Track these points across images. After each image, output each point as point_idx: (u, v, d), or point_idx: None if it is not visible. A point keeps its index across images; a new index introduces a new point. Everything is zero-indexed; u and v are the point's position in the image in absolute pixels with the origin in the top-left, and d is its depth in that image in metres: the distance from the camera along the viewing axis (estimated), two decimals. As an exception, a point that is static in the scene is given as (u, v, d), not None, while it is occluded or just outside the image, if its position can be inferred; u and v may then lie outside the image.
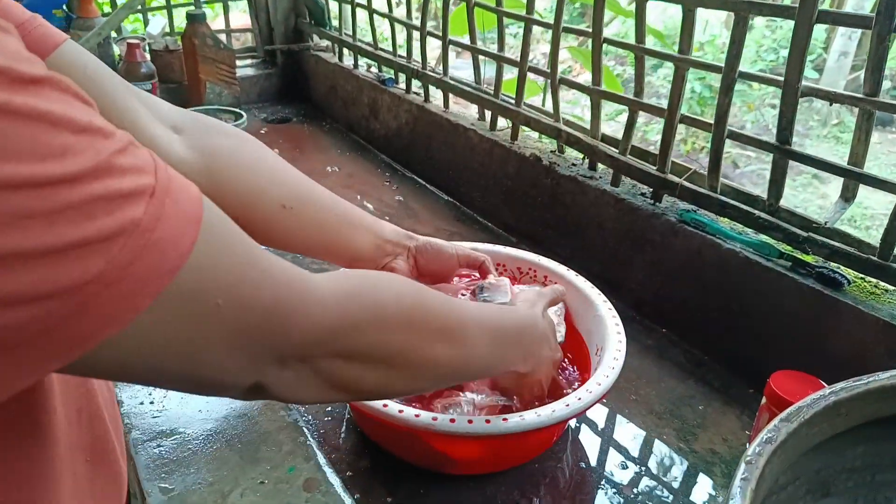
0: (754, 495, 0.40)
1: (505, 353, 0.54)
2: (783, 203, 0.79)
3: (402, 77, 1.40)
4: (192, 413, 0.65)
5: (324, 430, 0.70)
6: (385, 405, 0.57)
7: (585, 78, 0.98)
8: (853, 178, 0.72)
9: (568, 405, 0.58)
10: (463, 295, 0.68)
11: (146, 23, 1.65)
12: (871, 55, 0.66)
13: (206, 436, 0.62)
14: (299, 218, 0.60)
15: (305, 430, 0.64)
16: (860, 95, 0.68)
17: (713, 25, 3.99)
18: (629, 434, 0.73)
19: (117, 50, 1.56)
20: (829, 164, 0.73)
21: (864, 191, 0.74)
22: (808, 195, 3.56)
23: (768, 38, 4.05)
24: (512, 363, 0.56)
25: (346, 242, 0.64)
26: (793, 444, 0.45)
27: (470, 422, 0.56)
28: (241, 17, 2.08)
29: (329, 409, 0.73)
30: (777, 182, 0.78)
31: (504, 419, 0.56)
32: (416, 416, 0.56)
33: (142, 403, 0.66)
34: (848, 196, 0.76)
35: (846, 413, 0.48)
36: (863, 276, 0.73)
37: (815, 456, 0.49)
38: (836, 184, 3.55)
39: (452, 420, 0.56)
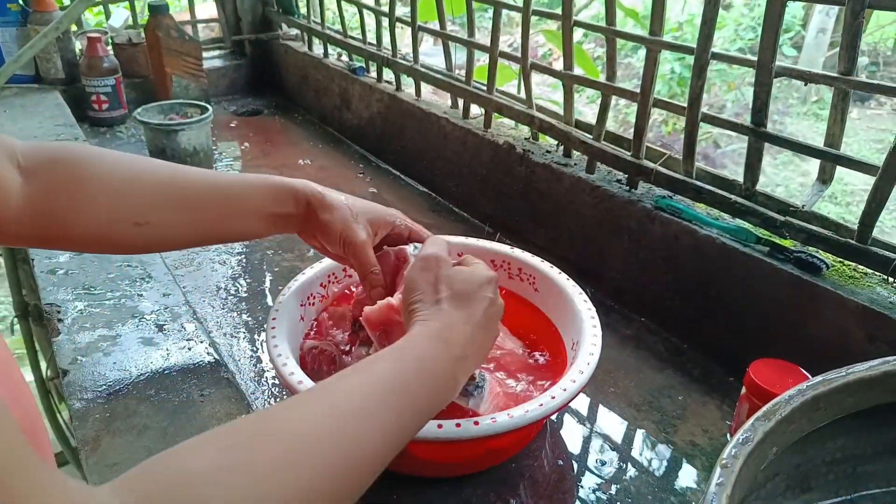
0: (730, 501, 0.38)
1: (437, 388, 0.47)
2: (761, 186, 0.77)
3: (372, 66, 1.36)
4: (150, 423, 0.62)
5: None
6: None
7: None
8: (829, 159, 0.70)
9: (542, 405, 0.56)
10: None
11: (108, 15, 1.60)
12: (845, 32, 0.64)
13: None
14: (162, 228, 0.57)
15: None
16: (834, 74, 0.66)
17: (692, 4, 3.97)
18: (608, 428, 0.71)
19: (78, 45, 1.51)
20: (805, 146, 0.71)
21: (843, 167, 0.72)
22: (789, 173, 3.57)
23: (747, 17, 4.04)
24: (459, 380, 0.50)
25: (229, 231, 0.62)
26: (770, 443, 0.43)
27: (439, 426, 0.54)
28: (207, 7, 2.02)
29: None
30: (753, 166, 0.76)
31: (475, 423, 0.54)
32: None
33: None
34: (825, 178, 0.74)
35: (825, 407, 0.46)
36: (841, 260, 0.71)
37: (794, 451, 0.47)
38: (817, 162, 3.57)
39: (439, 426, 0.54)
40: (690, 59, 0.76)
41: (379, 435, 0.41)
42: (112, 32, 1.54)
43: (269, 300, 0.91)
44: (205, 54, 1.58)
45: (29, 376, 1.71)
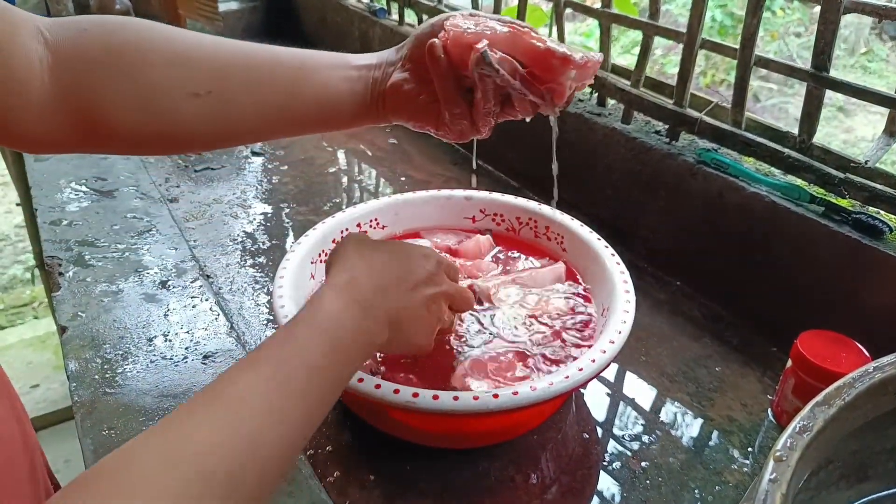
0: (784, 500, 0.33)
1: (336, 359, 0.41)
2: (815, 140, 0.70)
3: (394, 7, 1.28)
4: (148, 388, 0.59)
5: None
6: (360, 380, 0.51)
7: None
8: (902, 108, 0.62)
9: (568, 377, 0.52)
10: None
11: (121, -46, 1.53)
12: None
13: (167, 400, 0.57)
14: (226, 99, 0.46)
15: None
16: (916, 10, 0.58)
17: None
18: (639, 399, 0.66)
19: (89, -15, 1.45)
20: (875, 93, 0.63)
21: None
22: (832, 129, 3.39)
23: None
24: (366, 350, 0.44)
25: (304, 100, 0.49)
26: (831, 432, 0.38)
27: (455, 398, 0.49)
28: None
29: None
30: (811, 115, 0.68)
31: (495, 395, 0.50)
32: (396, 391, 0.50)
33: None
34: (893, 129, 0.66)
35: (894, 391, 0.40)
36: (907, 222, 0.64)
37: (852, 437, 0.42)
38: (862, 117, 3.38)
39: (436, 397, 0.49)
40: (733, 6, 0.67)
41: (284, 427, 0.36)
42: (124, -27, 1.47)
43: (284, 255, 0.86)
44: (220, -4, 1.51)
45: (52, 326, 1.73)
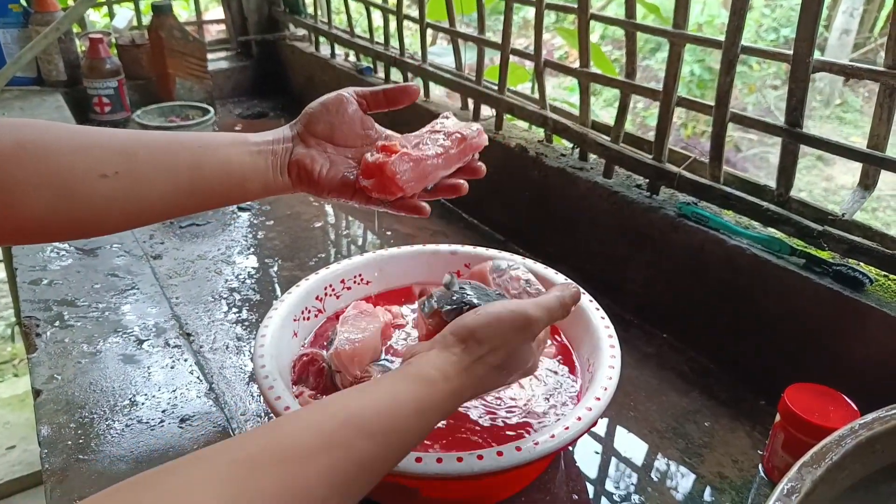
0: (776, 568, 0.32)
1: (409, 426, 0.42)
2: (793, 192, 0.71)
3: (380, 66, 1.31)
4: (123, 454, 0.57)
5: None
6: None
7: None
8: (874, 163, 0.64)
9: (554, 436, 0.51)
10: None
11: (112, 16, 1.56)
12: (894, 23, 0.58)
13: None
14: (132, 179, 0.48)
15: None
16: (881, 69, 0.60)
17: (711, 5, 3.88)
18: (628, 456, 0.65)
19: (81, 46, 1.48)
20: (847, 148, 0.64)
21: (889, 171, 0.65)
22: (812, 178, 3.46)
23: (768, 18, 3.94)
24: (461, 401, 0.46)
25: (209, 173, 0.51)
26: (820, 494, 0.37)
27: (439, 461, 0.48)
28: (213, 7, 1.99)
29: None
30: (787, 170, 0.69)
31: (479, 457, 0.49)
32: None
33: (74, 441, 0.58)
34: (868, 183, 0.67)
35: (882, 450, 0.40)
36: (886, 273, 0.65)
37: (843, 498, 0.41)
38: (841, 166, 3.46)
39: (419, 460, 0.48)
40: (710, 62, 0.70)
41: (324, 479, 0.35)
42: (115, 33, 1.50)
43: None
44: (211, 56, 1.54)
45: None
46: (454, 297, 0.53)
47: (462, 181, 0.59)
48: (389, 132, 0.60)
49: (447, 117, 0.61)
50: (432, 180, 0.57)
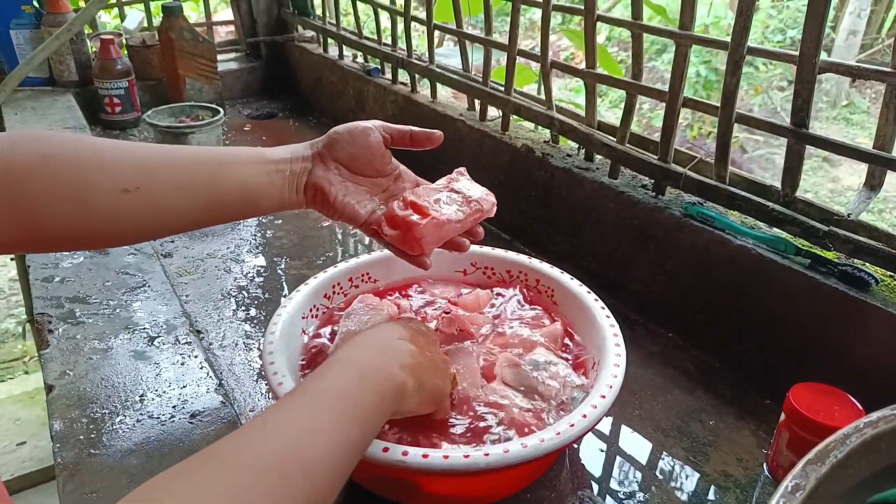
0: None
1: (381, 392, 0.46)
2: (799, 193, 0.71)
3: (387, 67, 1.32)
4: (134, 448, 0.58)
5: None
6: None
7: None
8: (880, 163, 0.64)
9: (559, 433, 0.51)
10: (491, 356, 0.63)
11: (123, 17, 1.58)
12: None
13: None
14: (153, 194, 0.49)
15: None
16: (888, 69, 0.60)
17: (717, 7, 3.88)
18: (633, 454, 0.65)
19: (92, 47, 1.49)
20: (853, 148, 0.64)
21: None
22: (819, 178, 3.45)
23: (774, 19, 3.93)
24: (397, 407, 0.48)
25: (226, 190, 0.53)
26: (824, 491, 0.37)
27: (445, 457, 0.49)
28: (223, 9, 2.00)
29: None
30: (793, 170, 0.70)
31: (486, 454, 0.49)
32: (385, 450, 0.49)
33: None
34: (874, 184, 0.68)
35: (887, 448, 0.40)
36: (892, 274, 0.65)
37: (847, 496, 0.41)
38: (847, 167, 3.44)
39: (425, 455, 0.49)
40: (716, 63, 0.70)
41: (328, 451, 0.40)
42: (126, 35, 1.52)
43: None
44: (220, 57, 1.55)
45: (42, 382, 1.70)
46: None
47: (466, 240, 0.64)
48: (404, 168, 0.64)
49: (462, 174, 0.66)
50: (445, 240, 0.61)
